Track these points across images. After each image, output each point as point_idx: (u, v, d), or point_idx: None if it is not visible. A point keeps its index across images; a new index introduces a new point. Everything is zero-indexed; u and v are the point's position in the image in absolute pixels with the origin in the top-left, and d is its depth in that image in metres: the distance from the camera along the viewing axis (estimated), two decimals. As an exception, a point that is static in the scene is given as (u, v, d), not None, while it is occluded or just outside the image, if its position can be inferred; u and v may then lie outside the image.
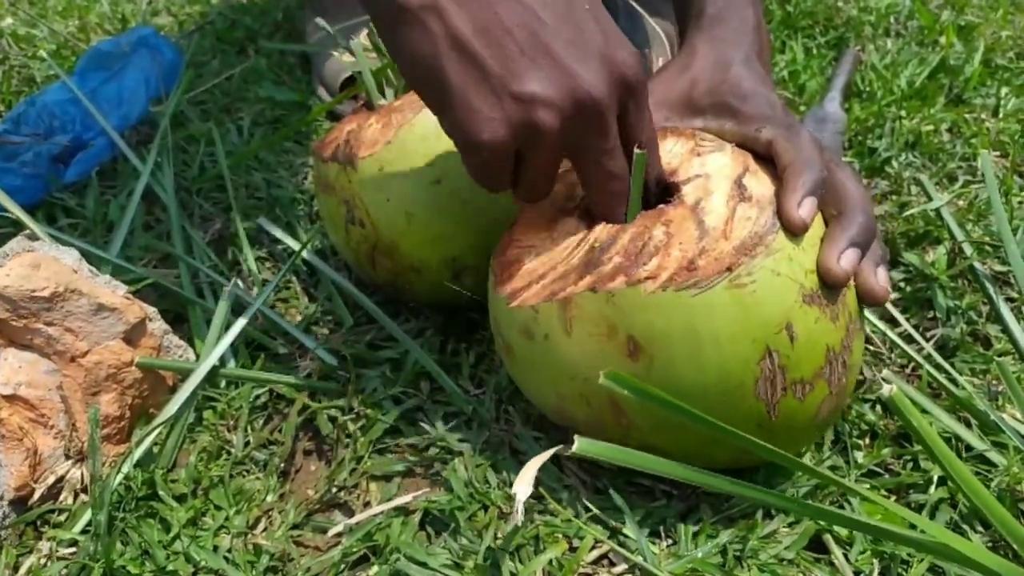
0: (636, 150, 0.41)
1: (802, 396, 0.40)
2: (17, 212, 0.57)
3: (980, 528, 0.44)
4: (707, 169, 0.44)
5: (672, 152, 0.46)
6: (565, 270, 0.42)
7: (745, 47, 0.50)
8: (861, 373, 0.53)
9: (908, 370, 0.54)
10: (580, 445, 0.33)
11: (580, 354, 0.41)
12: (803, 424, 0.42)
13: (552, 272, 0.43)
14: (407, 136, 0.50)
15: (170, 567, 0.42)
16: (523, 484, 0.34)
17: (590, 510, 0.44)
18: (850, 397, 0.52)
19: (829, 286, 0.41)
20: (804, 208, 0.41)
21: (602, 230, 0.43)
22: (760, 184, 0.43)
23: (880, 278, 0.43)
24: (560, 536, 0.43)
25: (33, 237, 0.53)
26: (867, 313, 0.56)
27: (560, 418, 0.45)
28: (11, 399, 0.46)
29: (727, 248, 0.39)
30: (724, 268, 0.39)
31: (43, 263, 0.48)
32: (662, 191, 0.45)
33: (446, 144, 0.50)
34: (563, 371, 0.42)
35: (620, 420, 0.42)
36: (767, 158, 0.45)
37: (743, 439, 0.34)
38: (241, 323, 0.54)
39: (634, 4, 0.83)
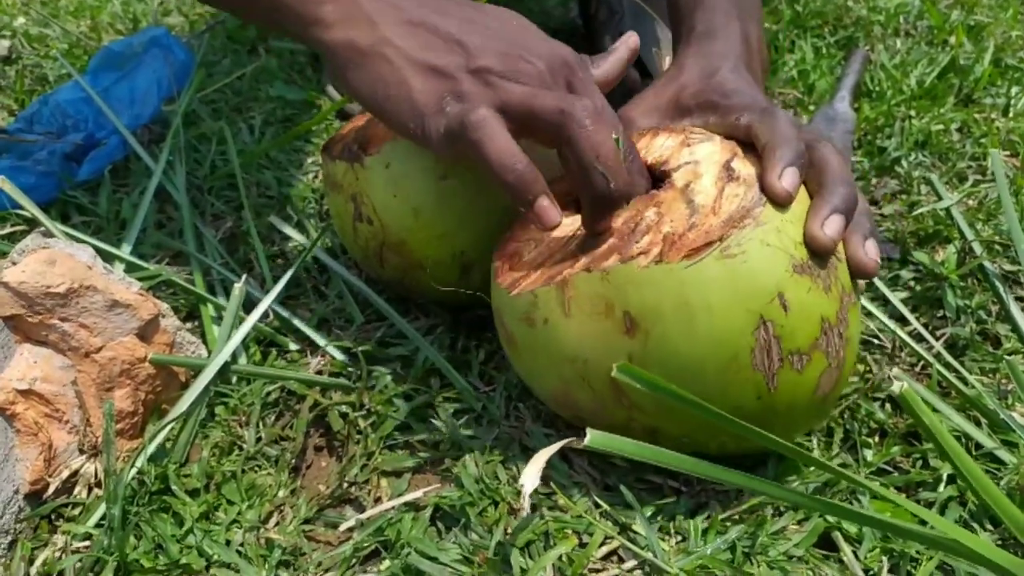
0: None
1: (800, 368, 0.41)
2: (32, 209, 0.58)
3: (989, 526, 0.44)
4: (696, 156, 0.45)
5: (664, 146, 0.47)
6: (562, 256, 0.44)
7: (733, 58, 0.52)
8: (870, 371, 0.53)
9: (918, 369, 0.54)
10: (592, 438, 0.33)
11: (579, 335, 0.42)
12: (804, 399, 0.42)
13: (550, 260, 0.44)
14: (416, 134, 0.50)
15: (183, 560, 0.43)
16: (530, 476, 0.34)
17: (600, 506, 0.45)
18: (851, 374, 0.52)
19: (817, 254, 0.42)
20: (786, 179, 0.42)
21: None
22: (747, 167, 0.44)
23: (869, 251, 0.44)
24: (570, 532, 0.43)
25: (48, 234, 0.53)
26: (877, 312, 0.56)
27: (565, 406, 0.46)
28: (26, 394, 0.47)
29: (716, 222, 0.41)
30: (714, 240, 0.39)
31: (58, 260, 0.48)
32: (654, 181, 0.46)
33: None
34: (564, 355, 0.43)
35: (622, 401, 0.42)
36: (751, 145, 0.46)
37: (743, 427, 0.35)
38: (253, 320, 0.54)
39: (641, 4, 0.83)
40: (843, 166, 0.44)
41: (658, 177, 0.46)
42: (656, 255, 0.40)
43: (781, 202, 0.42)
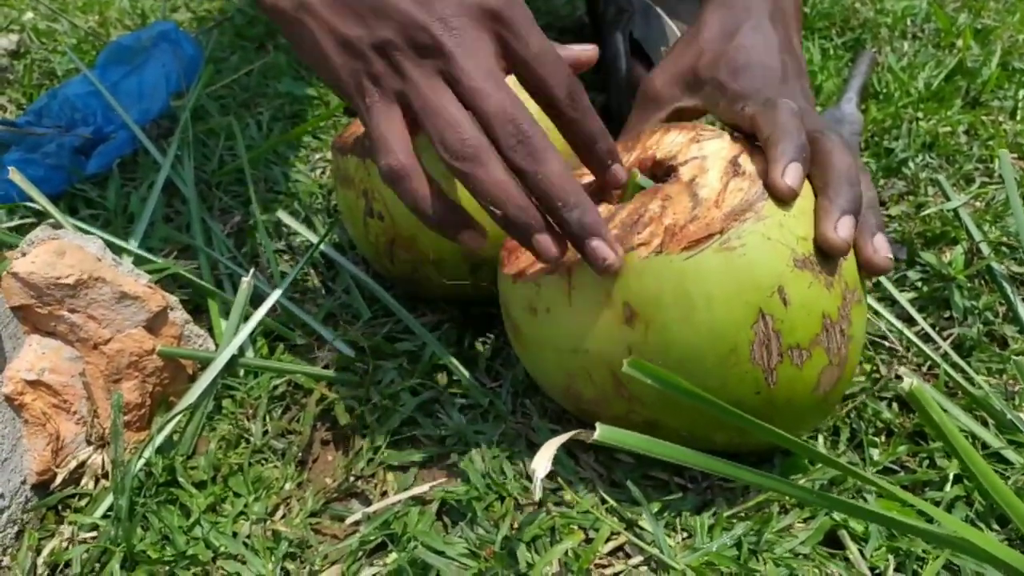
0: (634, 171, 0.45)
1: (800, 363, 0.41)
2: (41, 201, 0.58)
3: (996, 526, 0.44)
4: (704, 152, 0.45)
5: (674, 142, 0.47)
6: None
7: (756, 11, 0.50)
8: (877, 371, 0.53)
9: (925, 369, 0.54)
10: (602, 432, 0.33)
11: (580, 325, 0.42)
12: (804, 395, 0.42)
13: None
14: (427, 129, 0.50)
15: (190, 552, 0.43)
16: (541, 464, 0.35)
17: (606, 502, 0.45)
18: (856, 374, 0.52)
19: (830, 256, 0.41)
20: (789, 175, 0.42)
21: (603, 209, 0.45)
22: (754, 163, 0.44)
23: (879, 247, 0.43)
24: (576, 527, 0.43)
25: (57, 226, 0.54)
26: (885, 312, 0.56)
27: (568, 398, 0.46)
28: (35, 384, 0.47)
29: (718, 215, 0.41)
30: (714, 232, 0.40)
31: (68, 251, 0.49)
32: (662, 176, 0.46)
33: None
34: (566, 345, 0.43)
35: (621, 393, 0.42)
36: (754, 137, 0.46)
37: (743, 419, 0.35)
38: (260, 314, 0.54)
39: (650, 2, 0.83)
40: (848, 160, 0.43)
41: (666, 172, 0.46)
42: (656, 246, 0.40)
43: (784, 199, 0.41)
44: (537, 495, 0.36)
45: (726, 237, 0.40)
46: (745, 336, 0.40)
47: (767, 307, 0.40)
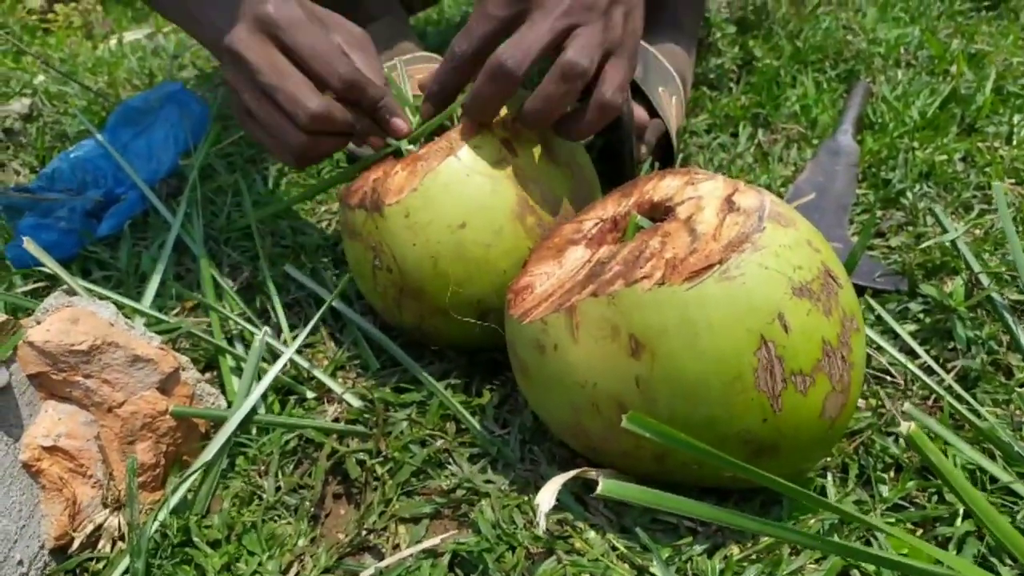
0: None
1: (803, 390, 0.42)
2: (54, 267, 0.59)
3: (1008, 561, 0.44)
4: (699, 193, 0.47)
5: (670, 186, 0.49)
6: (571, 286, 0.46)
7: None
8: (883, 406, 0.53)
9: (930, 402, 0.54)
10: (605, 486, 0.34)
11: (587, 359, 0.43)
12: (810, 422, 0.43)
13: (560, 289, 0.46)
14: (432, 183, 0.52)
15: (206, 613, 0.43)
16: (545, 496, 0.35)
17: (616, 549, 0.45)
18: (861, 405, 0.52)
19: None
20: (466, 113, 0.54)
21: (605, 249, 0.47)
22: (748, 199, 0.45)
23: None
24: (588, 576, 0.44)
25: (71, 292, 0.55)
26: (887, 346, 0.56)
27: (576, 436, 0.47)
28: (51, 450, 0.48)
29: (716, 247, 0.42)
30: (714, 263, 0.41)
31: (81, 318, 0.50)
32: (660, 217, 0.48)
33: (470, 190, 0.52)
34: (574, 380, 0.44)
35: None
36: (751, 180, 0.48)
37: (748, 471, 0.35)
38: (274, 373, 0.55)
39: (644, 44, 0.85)
40: (495, 60, 0.50)
41: (664, 213, 0.48)
42: (659, 278, 0.42)
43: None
44: (542, 529, 0.36)
45: (725, 267, 0.41)
46: (749, 362, 0.41)
47: (768, 333, 0.41)
